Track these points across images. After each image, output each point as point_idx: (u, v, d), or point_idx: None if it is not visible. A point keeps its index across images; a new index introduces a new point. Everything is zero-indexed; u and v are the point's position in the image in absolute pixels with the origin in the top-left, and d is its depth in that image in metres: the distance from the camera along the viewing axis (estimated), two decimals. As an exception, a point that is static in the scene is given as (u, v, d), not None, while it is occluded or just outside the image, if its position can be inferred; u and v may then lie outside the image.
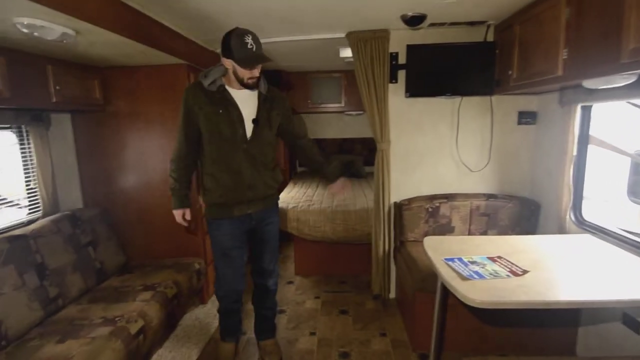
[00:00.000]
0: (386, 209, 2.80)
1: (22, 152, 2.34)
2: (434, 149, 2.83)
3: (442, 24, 2.51)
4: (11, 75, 1.84)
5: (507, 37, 2.35)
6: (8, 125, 2.24)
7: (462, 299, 1.40)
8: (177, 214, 2.06)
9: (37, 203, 2.40)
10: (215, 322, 2.61)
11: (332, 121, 5.50)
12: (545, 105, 2.58)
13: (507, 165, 2.80)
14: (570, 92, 2.11)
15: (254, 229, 2.07)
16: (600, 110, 2.14)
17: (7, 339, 1.73)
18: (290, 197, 3.80)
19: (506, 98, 2.68)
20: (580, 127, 2.15)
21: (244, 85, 1.81)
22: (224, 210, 1.96)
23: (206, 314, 2.75)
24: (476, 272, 1.55)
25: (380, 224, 2.82)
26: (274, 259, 2.17)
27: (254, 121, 1.88)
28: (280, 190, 4.12)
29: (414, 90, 2.64)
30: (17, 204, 2.35)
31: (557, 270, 1.61)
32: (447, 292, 1.78)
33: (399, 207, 2.75)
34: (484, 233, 2.70)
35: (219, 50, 1.80)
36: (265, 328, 2.30)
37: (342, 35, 2.67)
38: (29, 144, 2.35)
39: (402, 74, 2.69)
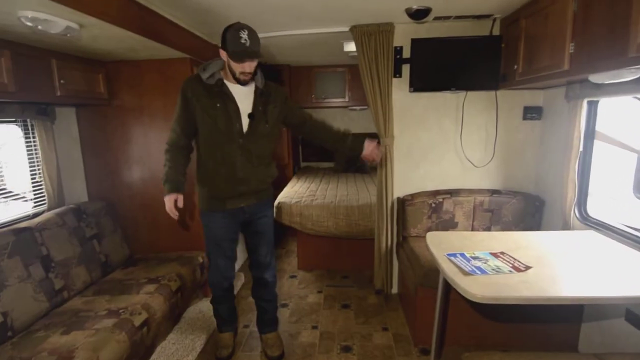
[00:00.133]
0: (389, 204, 2.80)
1: (27, 146, 2.37)
2: (438, 144, 2.81)
3: (447, 18, 2.48)
4: (16, 69, 1.85)
5: (513, 31, 2.32)
6: (14, 119, 2.26)
7: (464, 294, 1.40)
8: (169, 199, 1.91)
9: (43, 196, 2.42)
10: (218, 315, 2.63)
11: (336, 116, 5.48)
12: (551, 100, 2.56)
13: (511, 160, 2.78)
14: (576, 87, 2.08)
15: (248, 222, 2.09)
16: (607, 105, 2.11)
17: (13, 330, 1.76)
18: (294, 191, 3.81)
19: (511, 93, 2.66)
20: (587, 123, 2.13)
21: (236, 80, 1.82)
22: (216, 203, 1.99)
23: (209, 307, 2.75)
24: (478, 268, 1.55)
25: (383, 219, 2.81)
26: (269, 251, 2.19)
27: (249, 116, 1.88)
28: (282, 185, 4.13)
29: (418, 84, 2.62)
30: (23, 197, 2.38)
31: (560, 266, 1.60)
32: (449, 287, 1.78)
33: (402, 202, 2.75)
34: (488, 229, 2.69)
35: (221, 44, 1.80)
36: (267, 321, 2.32)
37: (346, 29, 2.65)
38: (34, 137, 2.37)
39: (406, 69, 2.67)
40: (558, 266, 1.60)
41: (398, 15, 2.39)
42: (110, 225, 2.61)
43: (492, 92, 2.65)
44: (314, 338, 2.45)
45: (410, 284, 2.41)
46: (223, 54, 1.77)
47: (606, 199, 2.26)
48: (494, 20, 2.52)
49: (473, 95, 2.70)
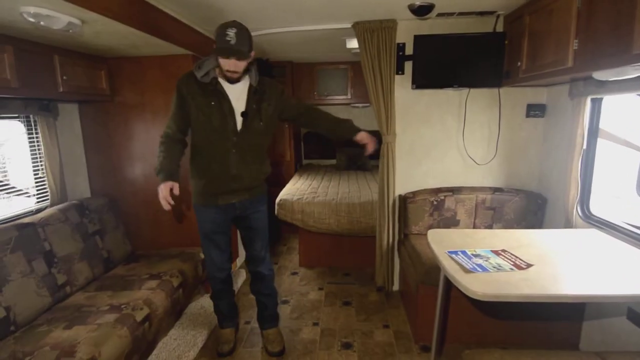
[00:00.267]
0: (391, 201, 2.80)
1: (30, 142, 2.38)
2: (440, 141, 2.80)
3: (450, 14, 2.46)
4: (19, 64, 1.86)
5: (516, 28, 2.30)
6: (17, 115, 2.27)
7: (465, 291, 1.39)
8: (165, 186, 1.79)
9: (46, 192, 2.43)
10: (220, 311, 2.65)
11: (338, 113, 5.41)
12: (555, 97, 2.54)
13: (514, 158, 2.76)
14: (580, 84, 2.07)
15: (240, 217, 2.11)
16: (611, 103, 2.09)
17: (15, 325, 1.77)
18: (296, 189, 3.81)
19: (515, 90, 2.64)
20: (590, 120, 2.12)
21: (224, 76, 1.83)
22: (209, 198, 2.01)
23: (211, 303, 2.75)
24: (479, 265, 1.55)
25: (385, 216, 2.81)
26: (264, 246, 2.20)
27: (242, 114, 1.89)
28: (283, 182, 4.13)
29: (421, 81, 2.60)
30: (26, 193, 2.39)
31: (562, 264, 1.59)
32: (450, 285, 1.78)
33: (404, 199, 2.74)
34: (489, 227, 2.68)
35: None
36: (267, 317, 2.33)
37: (349, 25, 2.64)
38: (37, 133, 2.38)
39: (409, 65, 2.65)
40: (560, 264, 1.59)
41: (401, 11, 2.38)
42: (113, 222, 2.62)
43: (495, 90, 2.63)
44: (315, 335, 2.45)
45: (412, 282, 2.41)
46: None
47: (610, 197, 2.25)
48: (498, 16, 2.50)
49: (476, 92, 2.68)
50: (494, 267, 1.53)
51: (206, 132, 1.89)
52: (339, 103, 4.80)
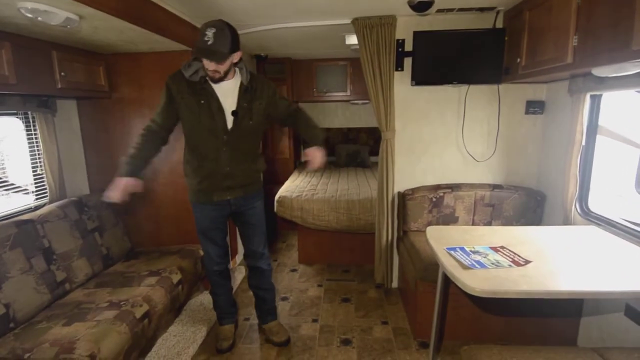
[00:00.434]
0: (390, 198, 2.80)
1: (28, 139, 2.37)
2: (440, 138, 2.80)
3: (450, 10, 2.45)
4: (16, 61, 1.85)
5: (516, 24, 2.29)
6: (15, 112, 2.26)
7: (463, 288, 1.40)
8: (119, 182, 1.77)
9: (44, 189, 2.43)
10: (219, 308, 2.65)
11: (337, 110, 5.46)
12: (554, 94, 2.53)
13: (513, 155, 2.76)
14: (579, 81, 2.06)
15: (236, 213, 2.12)
16: (610, 99, 2.09)
17: (15, 321, 1.77)
18: (295, 186, 3.80)
19: (514, 87, 2.64)
20: (589, 117, 2.11)
21: (207, 75, 1.81)
22: (203, 196, 2.03)
23: (210, 300, 2.76)
24: (478, 262, 1.55)
25: (384, 213, 2.81)
26: (262, 241, 2.22)
27: (233, 113, 1.88)
28: (283, 180, 4.12)
29: (420, 78, 2.59)
30: (25, 190, 2.39)
31: (561, 260, 1.60)
32: (448, 281, 1.79)
33: (403, 196, 2.74)
34: (488, 224, 2.68)
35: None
36: (267, 311, 2.36)
37: (348, 21, 2.63)
38: (35, 130, 2.37)
39: (408, 62, 2.65)
40: (558, 261, 1.59)
41: (400, 7, 2.37)
42: (112, 218, 2.62)
43: (495, 86, 2.63)
44: (314, 331, 2.46)
45: (410, 278, 2.42)
46: None
47: (613, 196, 2.24)
48: (497, 12, 2.49)
49: (475, 88, 2.68)
50: (493, 264, 1.54)
51: (197, 131, 1.90)
52: (338, 100, 4.79)
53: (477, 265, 1.52)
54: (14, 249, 1.88)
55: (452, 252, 1.66)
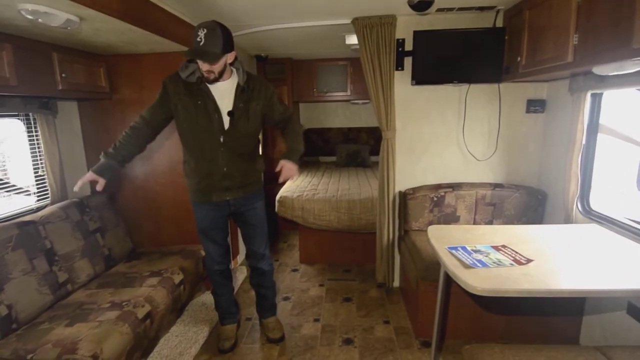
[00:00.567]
0: (391, 198, 2.80)
1: (30, 140, 2.37)
2: (440, 137, 2.80)
3: (450, 9, 2.45)
4: (17, 62, 1.85)
5: (516, 23, 2.29)
6: (16, 113, 2.26)
7: (465, 287, 1.40)
8: (89, 176, 1.83)
9: (46, 190, 2.43)
10: (221, 308, 2.65)
11: (338, 110, 5.46)
12: (555, 93, 2.53)
13: (514, 154, 2.76)
14: (580, 79, 2.06)
15: (236, 213, 2.13)
16: (611, 98, 2.09)
17: (17, 322, 1.78)
18: (296, 186, 3.81)
19: (514, 86, 2.64)
20: (590, 116, 2.11)
21: (202, 76, 1.82)
22: (203, 196, 2.03)
23: (212, 300, 2.77)
24: (479, 261, 1.55)
25: (385, 213, 2.81)
26: (263, 242, 2.23)
27: (229, 113, 1.88)
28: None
29: (421, 77, 2.60)
30: (27, 191, 2.39)
31: (562, 259, 1.60)
32: (450, 281, 1.78)
33: (404, 196, 2.74)
34: (490, 223, 2.68)
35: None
36: (266, 306, 2.40)
37: (348, 21, 2.62)
38: (36, 132, 2.37)
39: (408, 61, 2.65)
40: (560, 259, 1.59)
41: (400, 7, 2.37)
42: (113, 219, 2.62)
43: (495, 85, 2.62)
44: (316, 330, 2.46)
45: (412, 278, 2.42)
46: None
47: (615, 194, 2.23)
48: (498, 12, 2.49)
49: (476, 88, 2.67)
50: (494, 263, 1.54)
51: (194, 131, 1.90)
52: (338, 99, 4.79)
53: (478, 264, 1.52)
54: (16, 250, 1.89)
55: (453, 251, 1.66)
